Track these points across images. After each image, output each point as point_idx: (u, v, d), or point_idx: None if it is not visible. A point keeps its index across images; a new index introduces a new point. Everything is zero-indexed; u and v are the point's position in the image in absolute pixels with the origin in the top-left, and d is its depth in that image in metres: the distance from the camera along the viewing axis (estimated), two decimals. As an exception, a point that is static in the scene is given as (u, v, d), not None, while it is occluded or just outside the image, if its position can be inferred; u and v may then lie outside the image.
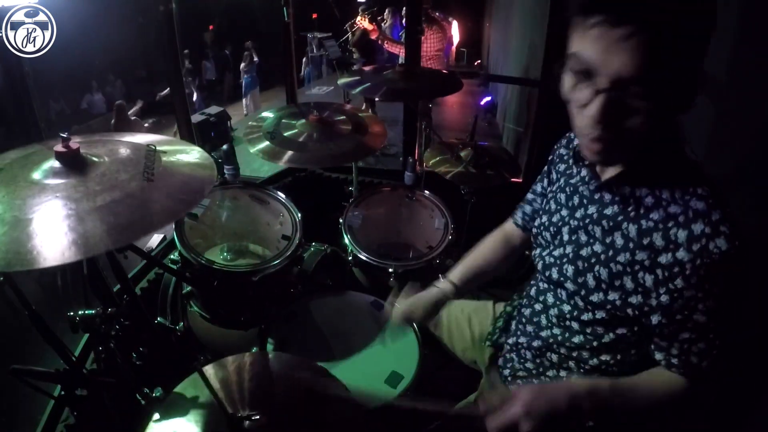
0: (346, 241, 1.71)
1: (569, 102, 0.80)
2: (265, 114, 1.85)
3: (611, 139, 0.75)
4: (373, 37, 5.41)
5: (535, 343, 1.06)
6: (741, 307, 0.83)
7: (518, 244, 1.25)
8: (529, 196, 1.19)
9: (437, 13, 5.48)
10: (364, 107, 4.99)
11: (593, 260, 0.90)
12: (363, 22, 5.31)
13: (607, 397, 0.87)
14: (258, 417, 0.93)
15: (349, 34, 5.97)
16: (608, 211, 0.89)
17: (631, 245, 0.84)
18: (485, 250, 1.28)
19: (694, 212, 0.78)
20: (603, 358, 0.96)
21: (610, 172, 0.88)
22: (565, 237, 0.98)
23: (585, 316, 0.93)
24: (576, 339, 0.97)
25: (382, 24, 5.81)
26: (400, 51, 4.87)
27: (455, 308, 1.38)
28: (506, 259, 1.27)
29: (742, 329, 0.91)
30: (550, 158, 1.11)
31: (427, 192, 1.93)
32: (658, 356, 0.89)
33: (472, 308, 1.38)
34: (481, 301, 1.40)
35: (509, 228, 1.27)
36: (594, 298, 0.90)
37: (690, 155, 0.83)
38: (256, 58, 8.65)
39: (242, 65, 8.65)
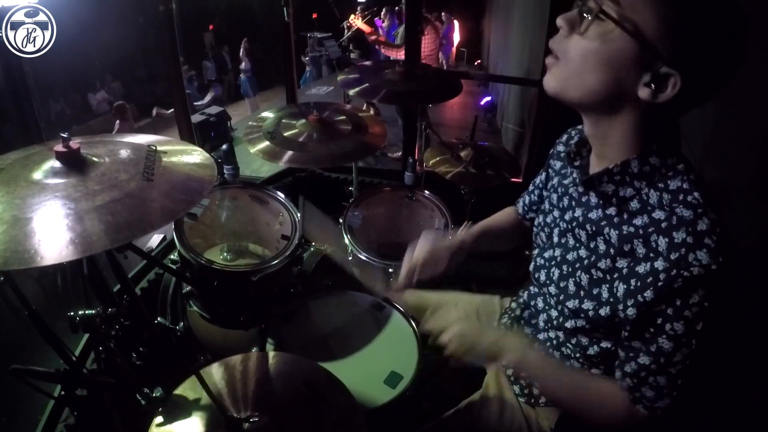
0: (346, 241, 1.71)
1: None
2: (265, 114, 1.85)
3: (560, 57, 0.74)
4: (370, 39, 5.40)
5: (535, 345, 1.06)
6: (714, 340, 0.75)
7: (524, 228, 1.25)
8: (530, 187, 1.19)
9: (443, 14, 5.48)
10: (365, 107, 5.00)
11: (577, 265, 0.88)
12: (356, 21, 5.29)
13: (534, 374, 0.91)
14: (257, 418, 0.93)
15: (346, 31, 5.94)
16: (592, 215, 0.85)
17: (612, 251, 0.80)
18: (501, 216, 1.27)
19: (678, 219, 0.72)
20: (594, 370, 0.94)
21: (596, 167, 0.84)
22: (555, 239, 0.97)
23: (568, 324, 0.91)
24: (566, 347, 0.96)
25: (381, 25, 5.79)
26: (396, 54, 4.85)
27: (464, 302, 1.36)
28: (518, 230, 1.25)
29: (711, 365, 0.86)
30: (550, 151, 1.10)
31: (427, 192, 1.92)
32: (617, 374, 0.83)
33: (479, 301, 1.36)
34: (487, 295, 1.39)
35: (514, 211, 1.27)
36: (570, 304, 0.88)
37: (688, 157, 0.79)
38: (244, 62, 8.61)
39: (242, 65, 8.66)
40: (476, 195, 2.03)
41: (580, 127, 1.00)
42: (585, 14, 0.70)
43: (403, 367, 1.26)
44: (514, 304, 1.25)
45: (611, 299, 0.80)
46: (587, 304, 0.85)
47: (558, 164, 1.04)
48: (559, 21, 0.73)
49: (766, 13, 1.18)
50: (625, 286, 0.77)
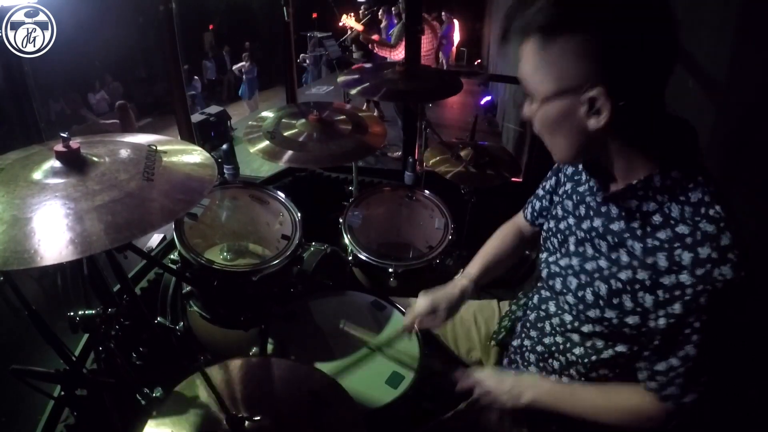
0: (346, 241, 1.71)
1: None
2: (265, 114, 1.84)
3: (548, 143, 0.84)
4: (363, 39, 5.38)
5: (539, 348, 1.06)
6: (733, 340, 0.81)
7: (529, 237, 1.25)
8: (539, 192, 1.18)
9: (431, 14, 5.47)
10: (365, 107, 4.99)
11: (596, 275, 0.88)
12: (348, 21, 5.29)
13: (557, 404, 0.95)
14: (259, 417, 0.93)
15: (348, 32, 5.93)
16: (614, 227, 0.86)
17: (635, 263, 0.82)
18: (499, 242, 1.28)
19: (702, 234, 0.74)
20: (602, 372, 0.95)
21: (617, 185, 0.85)
22: (572, 248, 0.96)
23: (585, 328, 0.93)
24: (576, 350, 0.97)
25: (379, 24, 5.77)
26: (390, 54, 4.84)
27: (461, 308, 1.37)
28: (519, 250, 1.27)
29: (733, 364, 0.90)
30: None
31: (427, 192, 1.92)
32: (641, 375, 0.88)
33: (476, 307, 1.37)
34: (484, 300, 1.39)
35: (520, 221, 1.26)
36: (591, 313, 0.89)
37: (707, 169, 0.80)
38: (247, 63, 8.60)
39: (243, 64, 8.65)
40: (476, 194, 2.03)
41: None
42: (528, 104, 0.82)
43: (405, 368, 1.26)
44: (514, 307, 1.24)
45: (638, 309, 0.82)
46: (609, 313, 0.86)
47: (570, 169, 1.03)
48: (526, 112, 0.84)
49: (766, 13, 1.18)
50: (652, 297, 0.80)
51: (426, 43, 4.87)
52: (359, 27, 5.34)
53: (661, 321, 0.79)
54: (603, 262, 0.88)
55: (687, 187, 0.78)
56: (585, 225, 0.93)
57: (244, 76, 8.68)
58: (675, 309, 0.77)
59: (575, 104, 0.74)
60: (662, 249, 0.78)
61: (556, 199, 1.06)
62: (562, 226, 1.00)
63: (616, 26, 0.68)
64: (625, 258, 0.84)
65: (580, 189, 0.97)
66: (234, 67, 8.82)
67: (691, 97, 1.41)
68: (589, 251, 0.91)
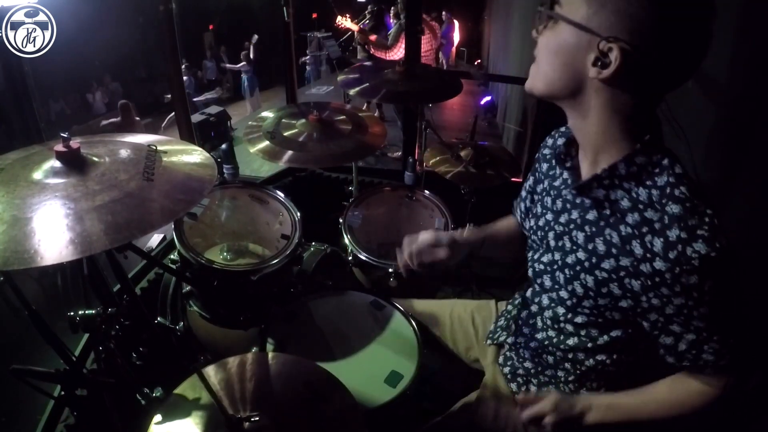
0: (346, 241, 1.71)
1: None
2: (264, 114, 1.84)
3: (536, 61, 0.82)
4: (360, 39, 5.38)
5: (532, 344, 1.06)
6: (740, 300, 0.79)
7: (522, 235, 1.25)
8: (522, 193, 1.19)
9: (431, 14, 5.47)
10: (365, 107, 4.99)
11: (578, 268, 0.88)
12: (344, 22, 5.29)
13: (630, 418, 0.92)
14: (258, 418, 0.93)
15: (356, 35, 5.90)
16: (590, 216, 0.86)
17: (614, 251, 0.82)
18: (505, 222, 1.28)
19: (669, 217, 0.74)
20: (599, 358, 0.96)
21: (586, 169, 0.86)
22: (551, 242, 0.97)
23: (579, 319, 0.93)
24: (570, 341, 0.97)
25: (367, 25, 5.76)
26: (385, 55, 4.84)
27: (458, 307, 1.38)
28: (517, 239, 1.25)
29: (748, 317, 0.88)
30: (536, 156, 1.10)
31: (427, 192, 1.92)
32: (670, 360, 0.86)
33: (474, 306, 1.38)
34: (482, 301, 1.40)
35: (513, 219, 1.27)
36: (585, 303, 0.89)
37: (667, 148, 0.80)
38: (246, 61, 8.60)
39: (242, 64, 8.65)
40: (476, 195, 2.03)
41: (563, 128, 1.01)
42: (539, 19, 0.81)
43: (404, 367, 1.26)
44: (510, 306, 1.25)
45: (627, 294, 0.82)
46: (602, 301, 0.86)
47: (545, 166, 1.04)
48: (533, 32, 0.82)
49: (766, 13, 1.18)
50: (639, 282, 0.79)
51: (425, 43, 4.86)
52: (355, 28, 5.35)
53: (655, 301, 0.79)
54: (581, 254, 0.88)
55: (653, 171, 0.78)
56: (563, 218, 0.93)
57: (243, 75, 8.69)
58: (663, 291, 0.77)
59: (589, 45, 0.73)
60: (635, 236, 0.78)
61: (536, 197, 1.07)
62: (541, 222, 1.01)
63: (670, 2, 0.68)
64: (601, 247, 0.84)
65: (556, 183, 0.98)
66: (228, 66, 8.79)
67: (691, 97, 1.41)
68: (567, 244, 0.92)
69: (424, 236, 1.15)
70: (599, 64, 0.73)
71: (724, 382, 0.85)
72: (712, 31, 0.71)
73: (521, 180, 2.34)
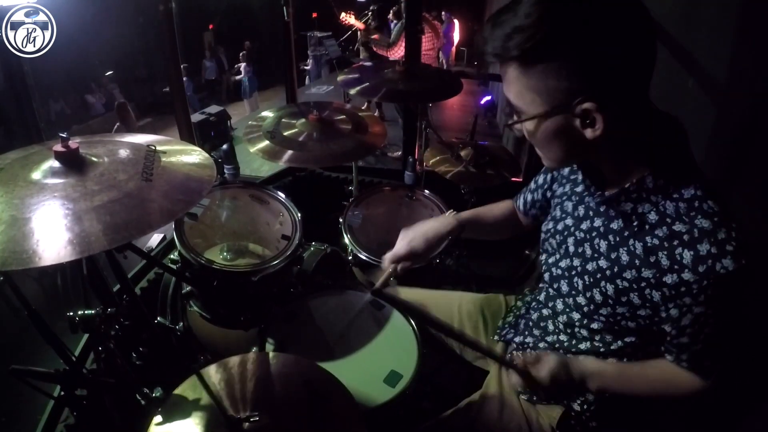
0: (346, 241, 1.71)
1: None
2: (264, 113, 1.84)
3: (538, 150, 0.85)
4: (364, 37, 5.36)
5: (541, 345, 1.06)
6: (744, 312, 0.83)
7: (521, 222, 1.26)
8: (532, 185, 1.18)
9: (431, 13, 5.46)
10: (365, 107, 4.99)
11: (599, 275, 0.89)
12: (348, 19, 5.26)
13: (612, 381, 0.94)
14: (258, 418, 0.92)
15: (359, 33, 5.88)
16: (614, 226, 0.87)
17: (637, 262, 0.83)
18: (496, 208, 1.29)
19: (699, 231, 0.76)
20: (609, 360, 0.96)
21: (611, 189, 0.87)
22: (571, 248, 0.96)
23: (595, 325, 0.94)
24: (582, 345, 0.97)
25: (370, 24, 5.76)
26: (387, 53, 4.84)
27: (467, 301, 1.36)
28: (511, 225, 1.27)
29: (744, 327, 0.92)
30: None
31: (427, 191, 1.92)
32: (669, 357, 0.89)
33: (483, 301, 1.36)
34: (491, 294, 1.38)
35: (513, 205, 1.27)
36: (603, 311, 0.90)
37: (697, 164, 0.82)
38: (244, 62, 8.59)
39: (241, 65, 8.65)
40: (476, 194, 2.03)
41: None
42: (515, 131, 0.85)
43: (403, 366, 1.26)
44: (519, 303, 1.24)
45: (647, 303, 0.83)
46: (620, 309, 0.87)
47: (566, 170, 1.04)
48: (515, 132, 0.85)
49: (766, 13, 1.18)
50: (659, 293, 0.81)
51: (426, 41, 4.86)
52: (360, 25, 5.34)
53: (673, 311, 0.81)
54: (603, 262, 0.88)
55: (680, 184, 0.79)
56: (584, 225, 0.93)
57: (243, 76, 8.69)
58: (686, 301, 0.79)
59: (569, 119, 0.75)
60: (662, 248, 0.79)
61: (555, 200, 1.06)
62: (560, 227, 1.00)
63: (594, 46, 0.68)
64: (625, 257, 0.84)
65: (578, 189, 0.98)
66: (234, 78, 8.80)
67: (691, 97, 1.41)
68: (588, 251, 0.92)
69: (397, 248, 1.13)
70: (588, 123, 0.74)
71: (707, 384, 0.89)
72: (652, 35, 0.71)
73: (521, 180, 2.35)
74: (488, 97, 6.77)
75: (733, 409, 1.15)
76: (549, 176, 1.11)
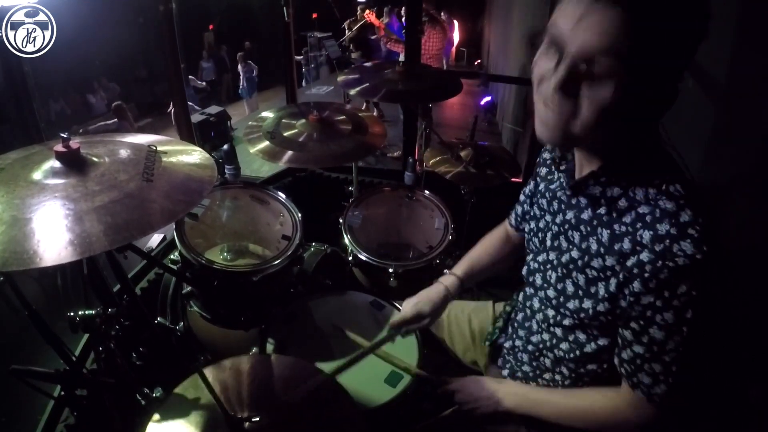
0: (346, 241, 1.71)
1: (534, 75, 0.76)
2: (265, 114, 1.84)
3: (563, 115, 0.71)
4: (381, 34, 5.49)
5: (530, 347, 1.06)
6: (708, 332, 0.76)
7: (517, 243, 1.26)
8: (521, 197, 1.20)
9: (442, 14, 5.59)
10: (364, 107, 5.01)
11: (571, 266, 0.89)
12: (371, 17, 5.40)
13: (542, 410, 0.99)
14: (258, 418, 0.92)
15: (347, 31, 6.05)
16: (584, 216, 0.87)
17: (602, 250, 0.81)
18: (488, 246, 1.30)
19: (661, 212, 0.73)
20: (590, 367, 0.95)
21: (582, 170, 0.86)
22: (548, 242, 0.98)
23: (567, 321, 0.92)
24: (562, 346, 0.97)
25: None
26: (403, 49, 4.92)
27: (455, 308, 1.38)
28: (508, 255, 1.28)
29: (712, 361, 0.87)
30: (537, 160, 1.11)
31: (427, 192, 1.92)
32: (615, 360, 0.87)
33: (471, 308, 1.38)
34: (480, 301, 1.40)
35: (507, 227, 1.28)
36: (570, 305, 0.89)
37: (667, 149, 0.80)
38: (242, 63, 8.58)
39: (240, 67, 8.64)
40: (476, 195, 2.03)
41: None
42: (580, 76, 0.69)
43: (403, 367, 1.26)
44: (508, 308, 1.25)
45: (606, 295, 0.82)
46: (587, 303, 0.86)
47: (544, 170, 1.05)
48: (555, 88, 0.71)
49: (766, 13, 1.18)
50: (616, 281, 0.79)
51: (437, 41, 4.95)
52: (378, 23, 5.48)
53: (623, 302, 0.78)
54: (575, 253, 0.88)
55: (651, 170, 0.77)
56: (558, 219, 0.94)
57: (242, 77, 8.68)
58: (635, 287, 0.75)
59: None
60: (627, 233, 0.77)
61: (534, 200, 1.08)
62: (540, 224, 1.01)
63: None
64: (594, 246, 0.84)
65: (552, 186, 0.99)
66: (243, 85, 8.76)
67: (691, 97, 1.41)
68: (564, 244, 0.92)
69: (405, 312, 1.21)
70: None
71: (643, 411, 0.85)
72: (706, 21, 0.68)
73: (521, 180, 2.35)
74: (488, 98, 6.78)
75: (736, 411, 1.15)
76: (533, 183, 1.12)
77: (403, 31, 5.29)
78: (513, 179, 2.05)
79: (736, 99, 1.32)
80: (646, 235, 0.73)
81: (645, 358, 0.80)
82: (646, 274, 0.73)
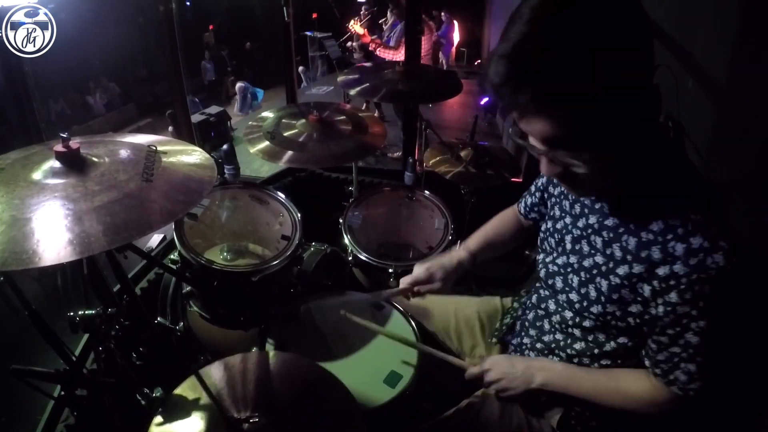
0: (346, 241, 1.71)
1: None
2: (265, 114, 1.84)
3: (571, 184, 0.81)
4: (365, 41, 5.60)
5: (539, 345, 1.06)
6: (733, 327, 0.82)
7: (526, 227, 1.27)
8: (532, 188, 1.20)
9: (442, 14, 5.66)
10: (364, 107, 5.01)
11: (594, 272, 0.89)
12: (355, 27, 5.55)
13: (558, 377, 0.99)
14: (257, 419, 0.93)
15: (354, 36, 6.15)
16: (609, 222, 0.88)
17: (629, 257, 0.83)
18: (499, 223, 1.30)
19: (693, 224, 0.76)
20: (603, 362, 0.96)
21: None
22: (568, 246, 0.97)
23: (587, 323, 0.93)
24: (577, 345, 0.98)
25: (383, 24, 5.97)
26: (392, 55, 4.96)
27: (463, 305, 1.37)
28: (517, 233, 1.29)
29: (734, 349, 0.91)
30: None
31: (427, 192, 1.92)
32: (647, 362, 0.89)
33: (479, 304, 1.37)
34: (487, 297, 1.39)
35: (515, 212, 1.29)
36: (594, 309, 0.90)
37: (692, 158, 0.82)
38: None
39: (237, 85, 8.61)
40: (476, 195, 2.03)
41: None
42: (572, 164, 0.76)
43: (403, 367, 1.26)
44: (516, 304, 1.25)
45: (638, 298, 0.83)
46: (611, 308, 0.87)
47: None
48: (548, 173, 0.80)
49: (766, 13, 1.18)
50: (650, 288, 0.81)
51: (425, 42, 4.92)
52: (363, 32, 5.55)
53: (660, 309, 0.80)
54: (599, 258, 0.89)
55: (675, 180, 0.80)
56: (581, 223, 0.94)
57: (238, 96, 8.65)
58: (671, 298, 0.78)
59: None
60: (656, 242, 0.79)
61: (552, 200, 1.07)
62: (558, 225, 1.01)
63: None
64: (618, 253, 0.85)
65: None
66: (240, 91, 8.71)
67: (691, 97, 1.41)
68: (585, 248, 0.93)
69: (417, 273, 1.22)
70: None
71: (677, 403, 0.88)
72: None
73: (521, 180, 2.35)
74: (488, 98, 6.77)
75: (737, 413, 1.15)
76: (545, 179, 1.12)
77: (390, 35, 5.39)
78: (513, 179, 2.05)
79: (736, 99, 1.32)
80: (679, 248, 0.76)
81: (682, 358, 0.83)
82: (682, 287, 0.76)
